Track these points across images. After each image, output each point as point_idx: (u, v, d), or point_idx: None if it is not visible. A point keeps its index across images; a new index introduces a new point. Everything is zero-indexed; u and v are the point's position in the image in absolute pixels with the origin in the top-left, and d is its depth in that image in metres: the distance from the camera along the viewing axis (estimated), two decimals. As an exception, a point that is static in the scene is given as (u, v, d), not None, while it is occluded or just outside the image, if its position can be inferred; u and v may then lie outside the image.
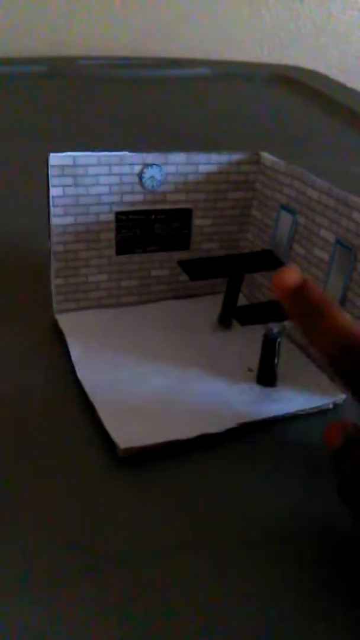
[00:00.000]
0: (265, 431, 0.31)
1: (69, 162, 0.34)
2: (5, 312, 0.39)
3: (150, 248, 0.38)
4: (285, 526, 0.26)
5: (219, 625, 0.22)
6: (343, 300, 0.32)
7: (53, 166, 0.34)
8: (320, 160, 0.68)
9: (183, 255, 0.39)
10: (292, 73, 1.11)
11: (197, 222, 0.39)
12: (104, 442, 0.29)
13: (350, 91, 1.03)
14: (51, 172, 0.34)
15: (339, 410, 0.32)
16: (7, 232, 0.50)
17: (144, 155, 0.36)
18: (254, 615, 0.22)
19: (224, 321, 0.38)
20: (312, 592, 0.23)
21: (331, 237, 0.32)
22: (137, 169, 0.36)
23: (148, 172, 0.36)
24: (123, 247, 0.38)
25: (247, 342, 0.36)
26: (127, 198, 0.36)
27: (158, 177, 0.36)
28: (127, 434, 0.29)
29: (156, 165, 0.36)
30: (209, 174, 0.38)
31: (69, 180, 0.35)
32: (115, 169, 0.35)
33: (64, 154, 0.34)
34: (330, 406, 0.32)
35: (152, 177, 0.36)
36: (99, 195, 0.36)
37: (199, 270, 0.36)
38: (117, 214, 0.37)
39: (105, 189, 0.36)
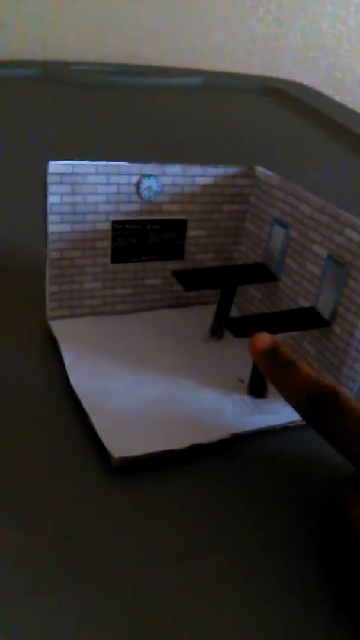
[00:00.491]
0: (255, 442, 0.31)
1: (68, 170, 0.34)
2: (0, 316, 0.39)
3: (145, 257, 0.39)
4: (279, 537, 0.26)
5: (215, 634, 0.22)
6: (334, 315, 0.33)
7: (51, 174, 0.34)
8: (309, 173, 0.69)
9: (177, 265, 0.40)
10: (283, 86, 1.13)
11: (191, 233, 0.39)
12: (97, 450, 0.30)
13: (338, 105, 1.05)
14: (49, 179, 0.34)
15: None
16: (3, 237, 0.50)
17: (142, 166, 0.36)
18: (252, 624, 0.23)
19: (216, 332, 0.38)
20: (313, 599, 0.24)
21: (324, 253, 0.33)
22: (134, 179, 0.36)
23: (145, 183, 0.36)
24: (118, 255, 0.38)
25: (238, 353, 0.37)
26: (124, 207, 0.37)
27: (155, 187, 0.37)
28: (120, 443, 0.29)
29: (153, 176, 0.37)
30: (204, 186, 0.38)
31: (67, 189, 0.35)
32: (113, 179, 0.36)
33: (62, 162, 0.34)
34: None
35: (149, 187, 0.37)
36: (96, 203, 0.36)
37: (193, 280, 0.37)
38: (114, 222, 0.37)
39: (102, 198, 0.36)
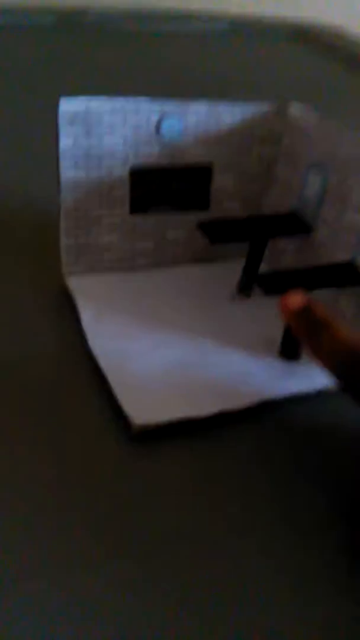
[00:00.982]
0: (287, 409, 0.29)
1: (81, 108, 0.31)
2: (13, 273, 0.37)
3: (166, 207, 0.36)
4: (305, 514, 0.24)
5: (235, 610, 0.20)
6: (377, 270, 0.29)
7: (64, 112, 0.31)
8: (345, 117, 0.64)
9: (201, 216, 0.37)
10: (311, 29, 1.05)
11: (217, 179, 0.36)
12: (116, 416, 0.27)
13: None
14: (61, 119, 0.31)
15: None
16: (16, 187, 0.47)
17: (163, 103, 0.32)
18: (279, 602, 0.21)
19: (245, 289, 0.35)
20: (340, 574, 0.22)
21: (367, 200, 0.30)
22: (154, 118, 0.33)
23: (166, 123, 0.33)
24: (137, 205, 0.35)
25: (268, 312, 0.34)
26: (143, 151, 0.33)
27: (177, 128, 0.33)
28: (141, 409, 0.27)
29: (175, 115, 0.33)
30: (231, 126, 0.34)
31: (81, 130, 0.31)
32: (131, 118, 0.32)
33: (75, 99, 0.31)
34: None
35: (170, 127, 0.33)
36: (113, 147, 0.33)
37: (220, 232, 0.33)
38: (132, 168, 0.34)
39: (119, 140, 0.33)
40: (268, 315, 0.34)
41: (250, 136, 0.35)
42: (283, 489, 0.25)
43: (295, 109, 0.35)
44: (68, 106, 0.31)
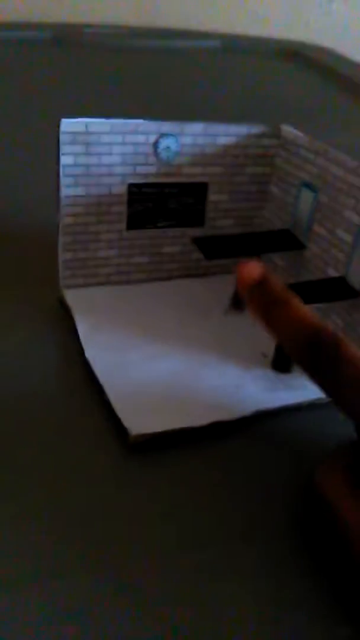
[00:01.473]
0: (280, 420, 0.30)
1: (81, 129, 0.32)
2: (11, 285, 0.38)
3: (162, 223, 0.37)
4: (300, 523, 0.25)
5: (228, 621, 0.21)
6: (366, 286, 0.30)
7: (64, 133, 0.32)
8: (336, 136, 0.66)
9: (196, 231, 0.38)
10: (306, 50, 1.08)
11: (212, 197, 0.37)
12: (113, 426, 0.28)
13: (357, 65, 0.99)
14: (62, 139, 0.32)
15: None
16: (15, 202, 0.48)
17: (160, 124, 0.34)
18: (271, 614, 0.21)
19: (238, 303, 0.36)
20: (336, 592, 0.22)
21: (356, 219, 0.31)
22: (152, 138, 0.34)
23: (163, 142, 0.34)
24: (134, 221, 0.36)
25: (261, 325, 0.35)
26: (141, 170, 0.34)
27: (174, 147, 0.34)
28: (138, 419, 0.28)
29: (172, 135, 0.34)
30: (226, 146, 0.36)
31: (81, 149, 0.33)
32: (129, 138, 0.33)
33: (76, 120, 0.32)
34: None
35: (167, 147, 0.34)
36: (112, 165, 0.34)
37: (215, 248, 0.34)
38: (130, 186, 0.35)
39: (118, 159, 0.34)
40: (261, 329, 0.35)
41: (244, 156, 0.36)
42: (269, 502, 0.26)
43: (287, 131, 0.36)
44: (68, 126, 0.32)
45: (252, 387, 0.31)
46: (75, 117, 0.32)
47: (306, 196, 0.35)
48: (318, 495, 0.23)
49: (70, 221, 0.34)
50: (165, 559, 0.23)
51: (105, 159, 0.33)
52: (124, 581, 0.22)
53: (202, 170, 0.36)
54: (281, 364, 0.32)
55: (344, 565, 0.23)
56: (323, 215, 0.34)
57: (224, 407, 0.29)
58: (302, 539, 0.24)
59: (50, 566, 0.22)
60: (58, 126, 0.32)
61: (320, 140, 0.34)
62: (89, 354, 0.31)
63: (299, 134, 0.35)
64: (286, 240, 0.36)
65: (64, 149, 0.32)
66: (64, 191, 0.33)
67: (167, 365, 0.31)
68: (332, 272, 0.33)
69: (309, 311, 0.24)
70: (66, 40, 1.00)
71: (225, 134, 0.35)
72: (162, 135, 0.34)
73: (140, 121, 0.33)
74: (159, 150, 0.34)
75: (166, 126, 0.34)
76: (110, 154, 0.33)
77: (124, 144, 0.33)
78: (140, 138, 0.34)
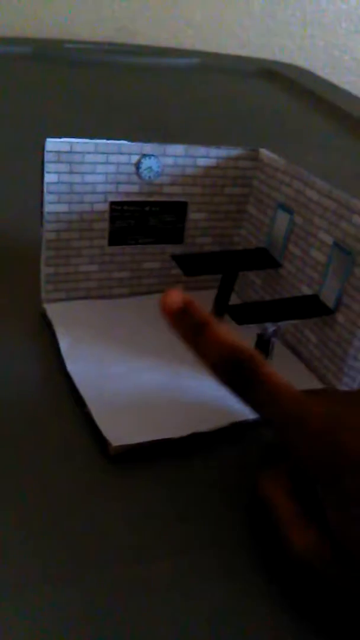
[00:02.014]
0: (256, 431, 0.31)
1: (66, 148, 0.33)
2: (-9, 299, 0.38)
3: (143, 240, 0.38)
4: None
5: (203, 627, 0.22)
6: (338, 304, 0.32)
7: (49, 152, 0.33)
8: (307, 155, 0.68)
9: (176, 248, 0.39)
10: (281, 68, 1.11)
11: (192, 215, 0.38)
12: (94, 438, 0.29)
13: (335, 88, 1.03)
14: (47, 157, 0.33)
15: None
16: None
17: (142, 145, 0.35)
18: (251, 618, 0.22)
19: (216, 318, 0.38)
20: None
21: (329, 240, 0.32)
22: (134, 159, 0.35)
23: (145, 163, 0.35)
24: (116, 238, 0.37)
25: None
26: (123, 188, 0.36)
27: (155, 168, 0.36)
28: (118, 431, 0.28)
29: (154, 156, 0.35)
30: (206, 168, 0.37)
31: (65, 167, 0.33)
32: (112, 158, 0.34)
33: (60, 139, 0.33)
34: (320, 408, 0.32)
35: (149, 167, 0.35)
36: (95, 184, 0.35)
37: (194, 265, 0.36)
38: (112, 204, 0.36)
39: (101, 178, 0.35)
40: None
41: (223, 177, 0.38)
42: (242, 510, 0.27)
43: (265, 154, 0.38)
44: (53, 146, 0.33)
45: (230, 400, 0.32)
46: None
47: (282, 217, 0.36)
48: (259, 497, 0.25)
49: (53, 237, 0.35)
50: (140, 565, 0.24)
51: (89, 178, 0.34)
52: (103, 587, 0.22)
53: (182, 189, 0.37)
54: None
55: (283, 562, 0.24)
56: (298, 236, 0.35)
57: (203, 419, 0.30)
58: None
59: (29, 575, 0.23)
60: (43, 145, 0.33)
61: (296, 160, 0.35)
62: (70, 367, 0.32)
63: (276, 157, 0.37)
64: (262, 259, 0.37)
65: (48, 167, 0.33)
66: (48, 207, 0.34)
67: (147, 378, 0.32)
68: (306, 290, 0.35)
69: (229, 334, 0.26)
70: (46, 55, 1.01)
71: (205, 156, 0.37)
72: (144, 155, 0.35)
73: (124, 142, 0.34)
74: (141, 170, 0.35)
75: (148, 147, 0.35)
76: (93, 172, 0.34)
77: (107, 163, 0.34)
78: (123, 158, 0.35)
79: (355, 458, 0.21)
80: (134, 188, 0.36)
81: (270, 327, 0.32)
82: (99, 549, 0.24)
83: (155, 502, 0.26)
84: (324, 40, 1.36)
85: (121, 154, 0.34)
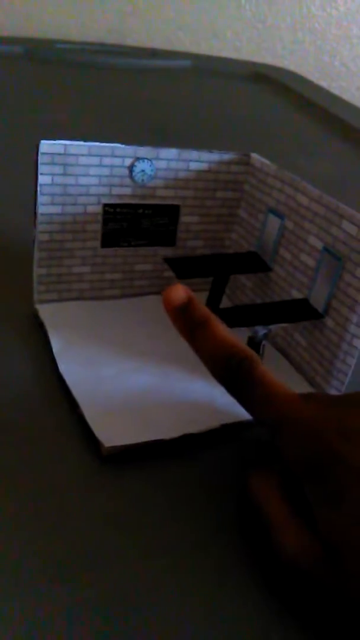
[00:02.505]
0: (248, 432, 0.31)
1: (60, 150, 0.33)
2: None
3: (135, 242, 0.38)
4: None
5: (193, 628, 0.22)
6: (327, 308, 0.32)
7: (43, 154, 0.33)
8: (298, 159, 0.69)
9: (168, 251, 0.39)
10: (271, 72, 1.12)
11: (184, 218, 0.39)
12: (86, 439, 0.29)
13: (325, 92, 1.04)
14: (41, 159, 0.33)
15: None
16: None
17: (136, 148, 0.35)
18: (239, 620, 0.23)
19: (207, 320, 0.38)
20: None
21: (319, 245, 0.33)
22: (128, 162, 0.35)
23: (139, 166, 0.36)
24: (109, 239, 0.37)
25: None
26: (116, 191, 0.36)
27: (148, 171, 0.36)
28: (111, 432, 0.29)
29: (147, 159, 0.36)
30: (198, 171, 0.37)
31: (59, 169, 0.34)
32: (106, 161, 0.35)
33: (55, 141, 0.33)
34: (309, 410, 0.33)
35: (142, 171, 0.36)
36: (88, 186, 0.35)
37: (186, 268, 0.36)
38: (105, 206, 0.36)
39: (94, 180, 0.35)
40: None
41: (215, 181, 0.38)
42: (231, 511, 0.27)
43: (256, 159, 0.38)
44: (47, 148, 0.33)
45: (221, 401, 0.32)
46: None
47: (273, 221, 0.37)
48: (250, 498, 0.25)
49: (46, 238, 0.35)
50: (133, 564, 0.24)
51: (82, 180, 0.35)
52: (96, 587, 0.23)
53: (174, 193, 0.37)
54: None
55: (274, 563, 0.24)
56: (288, 240, 0.36)
57: (194, 420, 0.30)
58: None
59: (26, 574, 0.23)
60: (37, 146, 0.33)
61: (287, 164, 0.36)
62: (62, 368, 0.32)
63: (267, 162, 0.37)
64: (253, 263, 0.37)
65: (42, 169, 0.33)
66: (41, 209, 0.34)
67: (139, 379, 0.33)
68: (296, 294, 0.35)
69: (228, 333, 0.26)
70: (37, 55, 1.00)
71: (198, 160, 0.37)
72: (138, 159, 0.35)
73: (117, 145, 0.35)
74: (135, 173, 0.36)
75: (142, 151, 0.35)
76: (87, 175, 0.35)
77: (100, 166, 0.35)
78: (117, 161, 0.35)
79: (345, 461, 0.22)
80: (127, 191, 0.36)
81: (261, 330, 0.32)
82: (94, 548, 0.24)
83: (147, 502, 0.27)
84: (314, 45, 1.37)
85: (115, 156, 0.35)
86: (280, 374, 0.35)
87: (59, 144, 0.33)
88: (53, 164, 0.33)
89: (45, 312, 0.36)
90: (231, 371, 0.25)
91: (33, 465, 0.27)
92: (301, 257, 0.35)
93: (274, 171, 0.36)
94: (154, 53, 1.10)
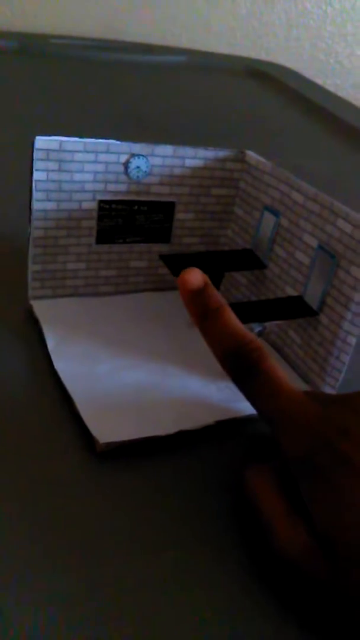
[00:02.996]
0: (243, 428, 0.31)
1: (55, 146, 0.33)
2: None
3: (131, 239, 0.38)
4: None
5: (184, 625, 0.22)
6: (322, 306, 0.33)
7: (38, 149, 0.33)
8: (296, 160, 0.69)
9: (163, 248, 0.39)
10: (266, 68, 1.12)
11: (179, 215, 0.39)
12: (82, 436, 0.29)
13: (321, 89, 1.04)
14: (36, 155, 0.33)
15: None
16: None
17: (131, 145, 0.35)
18: (238, 619, 0.23)
19: (202, 317, 0.38)
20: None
21: (314, 242, 0.33)
22: (123, 158, 0.35)
23: (134, 163, 0.36)
24: (104, 236, 0.37)
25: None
26: (111, 187, 0.36)
27: (144, 168, 0.36)
28: (106, 428, 0.29)
29: (142, 156, 0.36)
30: (194, 168, 0.37)
31: (54, 165, 0.34)
32: (102, 157, 0.35)
33: (50, 137, 0.33)
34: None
35: (137, 167, 0.36)
36: (83, 182, 0.35)
37: (182, 265, 0.36)
38: (100, 202, 0.36)
39: (89, 177, 0.35)
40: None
41: (210, 178, 0.38)
42: (228, 506, 0.27)
43: (252, 156, 0.38)
44: (42, 144, 0.33)
45: (215, 398, 0.32)
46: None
47: (268, 219, 0.37)
48: (246, 495, 0.25)
49: (41, 234, 0.35)
50: (130, 560, 0.24)
51: (78, 176, 0.35)
52: (93, 581, 0.23)
53: (170, 190, 0.37)
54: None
55: (272, 559, 0.25)
56: (283, 238, 0.36)
57: (189, 416, 0.30)
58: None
59: (22, 575, 0.23)
60: (32, 142, 0.33)
61: (282, 161, 0.36)
62: (57, 364, 0.32)
63: (263, 159, 0.37)
64: (248, 260, 0.38)
65: (37, 165, 0.33)
66: (36, 205, 0.34)
67: (134, 376, 0.33)
68: (291, 291, 0.35)
69: (239, 323, 0.26)
70: (32, 50, 1.00)
71: (193, 157, 0.37)
72: (133, 155, 0.35)
73: (113, 141, 0.35)
74: (130, 169, 0.36)
75: (137, 147, 0.35)
76: (82, 171, 0.34)
77: (96, 162, 0.35)
78: (112, 157, 0.35)
79: (343, 458, 0.22)
80: (123, 187, 0.36)
81: (256, 327, 0.32)
82: (90, 544, 0.24)
83: (143, 498, 0.27)
84: (309, 42, 1.37)
85: (110, 153, 0.35)
86: (274, 371, 0.35)
87: (54, 140, 0.33)
88: (48, 160, 0.33)
89: (39, 308, 0.36)
90: (239, 360, 0.25)
91: (28, 461, 0.27)
92: (296, 254, 0.35)
93: (270, 169, 0.36)
94: (149, 49, 1.09)
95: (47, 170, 0.34)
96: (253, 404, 0.26)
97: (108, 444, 0.28)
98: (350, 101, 1.41)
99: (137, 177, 0.36)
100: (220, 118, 0.83)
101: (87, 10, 1.14)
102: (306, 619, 0.23)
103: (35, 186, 0.34)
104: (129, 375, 0.33)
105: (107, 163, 0.35)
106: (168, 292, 0.41)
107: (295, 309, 0.33)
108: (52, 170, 0.34)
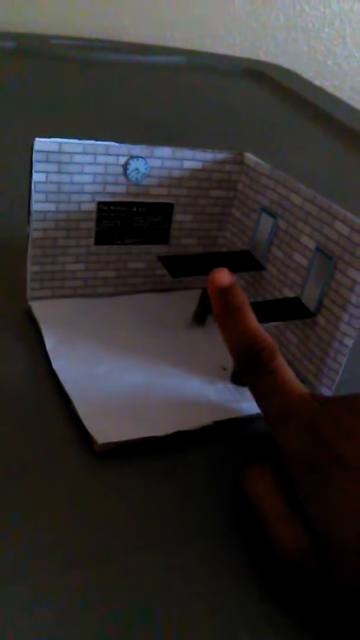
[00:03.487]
0: (240, 429, 0.32)
1: (55, 148, 0.33)
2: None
3: (129, 240, 0.38)
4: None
5: (187, 622, 0.22)
6: (319, 307, 0.33)
7: (38, 151, 0.33)
8: (293, 161, 0.69)
9: (161, 249, 0.39)
10: (265, 69, 1.12)
11: (177, 217, 0.39)
12: (80, 436, 0.29)
13: (319, 90, 1.04)
14: (35, 157, 0.33)
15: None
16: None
17: (130, 147, 0.35)
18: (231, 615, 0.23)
19: (200, 319, 0.38)
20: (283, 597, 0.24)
21: (312, 244, 0.33)
22: (122, 160, 0.35)
23: (133, 164, 0.36)
24: (102, 237, 0.37)
25: (221, 340, 0.37)
26: (110, 189, 0.36)
27: (143, 169, 0.36)
28: (104, 429, 0.29)
29: (141, 157, 0.36)
30: (192, 170, 0.38)
31: (53, 167, 0.34)
32: (101, 159, 0.35)
33: (49, 139, 0.33)
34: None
35: (136, 169, 0.36)
36: (82, 184, 0.35)
37: (180, 267, 0.36)
38: (99, 204, 0.36)
39: (89, 178, 0.35)
40: (221, 343, 0.37)
41: (208, 180, 0.38)
42: (226, 506, 0.28)
43: (250, 159, 0.38)
44: (42, 145, 0.33)
45: (213, 399, 0.32)
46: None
47: (266, 221, 0.37)
48: (246, 494, 0.26)
49: (40, 235, 0.35)
50: (129, 558, 0.24)
51: (77, 178, 0.35)
52: (91, 580, 0.23)
53: (168, 191, 0.38)
54: (239, 377, 0.34)
55: (271, 558, 0.25)
56: (281, 240, 0.36)
57: (187, 417, 0.31)
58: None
59: (21, 573, 0.23)
60: (31, 144, 0.33)
61: (280, 162, 0.36)
62: (55, 365, 0.33)
63: (261, 162, 0.38)
64: (246, 261, 0.38)
65: (36, 166, 0.33)
66: (35, 206, 0.34)
67: (133, 377, 0.33)
68: (288, 293, 0.35)
69: (256, 322, 0.27)
70: (31, 51, 1.00)
71: (192, 159, 0.37)
72: (132, 157, 0.35)
73: (112, 143, 0.35)
74: (129, 171, 0.36)
75: (136, 149, 0.35)
76: (81, 173, 0.35)
77: (95, 164, 0.35)
78: (111, 159, 0.35)
79: (341, 457, 0.22)
80: (122, 189, 0.36)
81: (254, 329, 0.32)
82: (89, 544, 0.24)
83: (142, 499, 0.27)
84: (307, 44, 1.38)
85: (109, 155, 0.35)
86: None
87: (54, 141, 0.33)
88: (47, 161, 0.34)
89: (38, 309, 0.37)
90: (251, 357, 0.26)
91: (25, 461, 0.28)
92: (294, 256, 0.35)
93: (268, 171, 0.37)
94: (148, 49, 1.09)
95: (46, 172, 0.34)
96: (257, 400, 0.26)
97: (106, 444, 0.28)
98: (349, 103, 1.41)
99: (136, 178, 0.36)
100: (219, 119, 0.83)
101: (86, 11, 1.14)
102: (305, 617, 0.23)
103: (35, 187, 0.34)
104: (127, 375, 0.33)
105: (106, 165, 0.35)
106: (166, 293, 0.41)
107: (292, 310, 0.34)
108: (52, 172, 0.34)
